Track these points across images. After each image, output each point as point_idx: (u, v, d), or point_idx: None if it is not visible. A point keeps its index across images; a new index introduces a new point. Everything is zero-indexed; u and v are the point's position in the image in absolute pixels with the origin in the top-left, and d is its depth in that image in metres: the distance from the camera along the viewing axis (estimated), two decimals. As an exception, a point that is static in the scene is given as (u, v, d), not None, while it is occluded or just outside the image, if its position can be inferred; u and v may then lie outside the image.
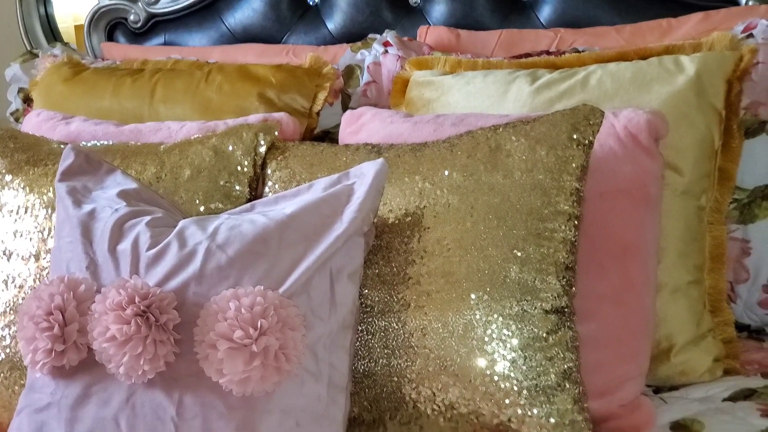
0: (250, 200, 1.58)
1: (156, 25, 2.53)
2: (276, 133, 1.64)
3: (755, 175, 1.70)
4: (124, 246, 1.35)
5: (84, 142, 1.77)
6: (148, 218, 1.39)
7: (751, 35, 1.77)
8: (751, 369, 1.59)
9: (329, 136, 2.04)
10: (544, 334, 1.32)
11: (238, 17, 2.41)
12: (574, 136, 1.39)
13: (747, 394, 1.50)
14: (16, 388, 1.52)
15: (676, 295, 1.57)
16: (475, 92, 1.78)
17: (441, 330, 1.35)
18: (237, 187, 1.60)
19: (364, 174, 1.38)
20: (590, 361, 1.41)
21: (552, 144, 1.39)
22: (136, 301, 1.26)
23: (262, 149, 1.61)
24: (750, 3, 1.94)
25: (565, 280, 1.35)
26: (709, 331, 1.58)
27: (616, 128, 1.49)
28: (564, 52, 1.93)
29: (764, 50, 1.71)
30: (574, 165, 1.38)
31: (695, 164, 1.59)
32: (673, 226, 1.57)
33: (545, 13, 2.12)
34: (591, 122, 1.40)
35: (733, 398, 1.50)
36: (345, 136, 1.75)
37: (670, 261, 1.57)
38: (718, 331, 1.60)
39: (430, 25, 2.21)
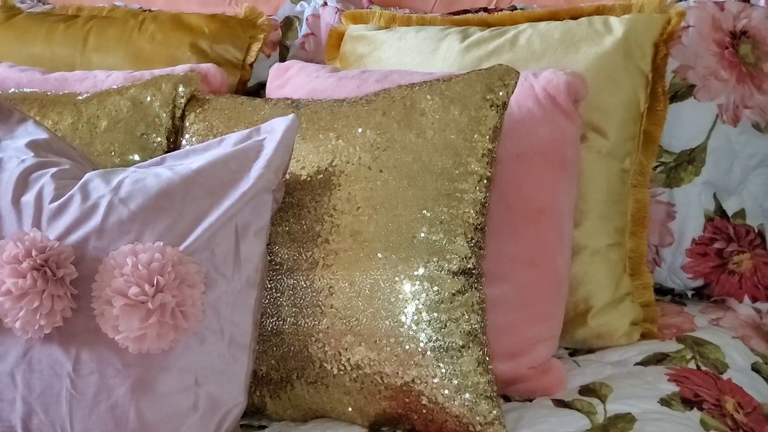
0: (167, 152, 1.56)
1: (101, -30, 2.48)
2: (197, 84, 1.61)
3: (682, 139, 1.69)
4: (28, 198, 1.33)
5: (6, 90, 1.74)
6: (54, 170, 1.37)
7: (684, -3, 1.76)
8: (668, 333, 1.59)
9: (264, 88, 2.01)
10: (450, 296, 1.31)
11: (182, -35, 2.36)
12: (488, 97, 1.37)
13: (659, 359, 1.50)
14: None
15: (596, 258, 1.56)
16: (406, 48, 1.75)
17: (348, 289, 1.34)
18: (155, 139, 1.57)
19: (275, 129, 1.36)
20: (501, 323, 1.41)
21: (465, 104, 1.37)
22: (33, 254, 1.24)
23: (181, 101, 1.58)
24: (688, -36, 1.92)
25: (474, 241, 1.34)
26: (628, 295, 1.58)
27: (535, 89, 1.48)
28: (501, 10, 1.90)
29: (695, 14, 1.70)
30: (486, 125, 1.36)
31: (620, 127, 1.58)
32: (595, 189, 1.56)
33: (487, -32, 2.09)
34: (505, 83, 1.38)
35: (645, 362, 1.50)
36: (271, 89, 1.73)
37: (591, 223, 1.56)
38: (637, 294, 1.60)
39: (373, -23, 2.17)
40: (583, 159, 1.54)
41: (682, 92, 1.69)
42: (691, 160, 1.69)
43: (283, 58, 2.06)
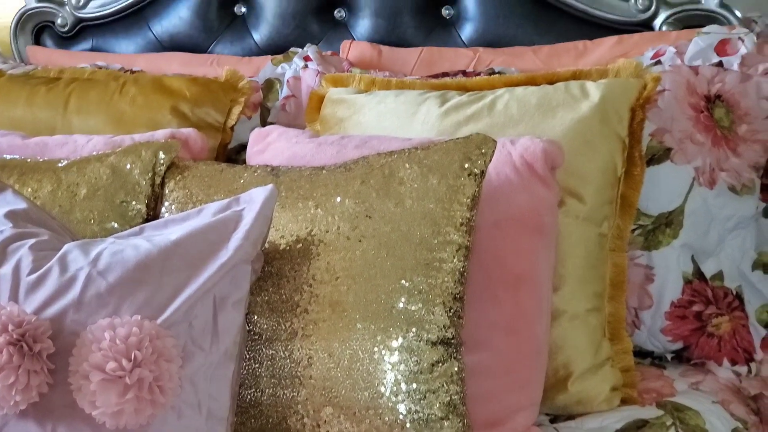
0: (147, 220, 1.56)
1: (84, 29, 2.50)
2: (177, 151, 1.62)
3: (660, 202, 1.70)
4: (5, 270, 1.33)
5: (-14, 156, 1.74)
6: (32, 241, 1.37)
7: (659, 62, 1.78)
8: (648, 398, 1.59)
9: (245, 149, 2.02)
10: (430, 366, 1.31)
11: (164, 25, 2.39)
12: (466, 165, 1.38)
13: (639, 425, 1.50)
14: None
15: (575, 323, 1.56)
16: (386, 112, 1.76)
17: (327, 360, 1.34)
18: (135, 206, 1.58)
19: (254, 200, 1.36)
20: (481, 391, 1.41)
21: (444, 173, 1.38)
22: (10, 329, 1.24)
23: (161, 168, 1.59)
24: (663, 29, 1.95)
25: (452, 311, 1.34)
26: (608, 360, 1.58)
27: (513, 156, 1.49)
28: (479, 73, 1.93)
29: (670, 78, 1.71)
30: (465, 194, 1.37)
31: (597, 191, 1.59)
32: (573, 254, 1.57)
33: (467, 31, 2.12)
34: (483, 151, 1.39)
35: (625, 429, 1.49)
36: (252, 154, 1.74)
37: (570, 288, 1.56)
38: (617, 359, 1.59)
39: (354, 39, 2.20)
40: (561, 224, 1.55)
41: (659, 155, 1.70)
42: (668, 222, 1.70)
43: (264, 120, 2.07)
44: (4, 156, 1.72)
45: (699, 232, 1.69)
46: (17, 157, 1.71)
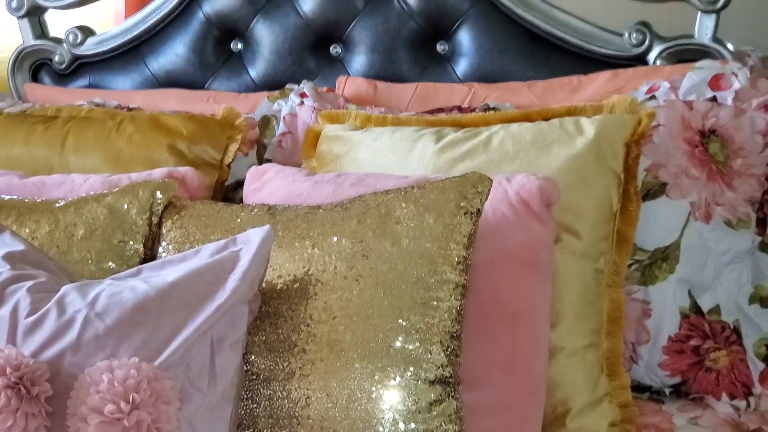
0: (144, 260, 1.57)
1: (81, 66, 2.51)
2: (175, 190, 1.62)
3: (656, 237, 1.70)
4: (3, 312, 1.33)
5: (-17, 197, 1.74)
6: (30, 283, 1.37)
7: (654, 97, 1.79)
8: (647, 433, 1.59)
9: (242, 186, 2.03)
10: (428, 405, 1.31)
11: (161, 62, 2.40)
12: (462, 204, 1.39)
13: (638, 461, 1.50)
14: None
15: (573, 359, 1.56)
16: (382, 149, 1.77)
17: (325, 400, 1.34)
18: (132, 246, 1.58)
19: (251, 241, 1.37)
20: (480, 430, 1.41)
21: (440, 211, 1.39)
22: (8, 372, 1.24)
23: (159, 207, 1.59)
24: (658, 63, 1.96)
25: (450, 349, 1.34)
26: (606, 395, 1.58)
27: (509, 194, 1.50)
28: (474, 109, 1.94)
29: (665, 113, 1.73)
30: (461, 233, 1.38)
31: (593, 227, 1.59)
32: (570, 290, 1.57)
33: (462, 66, 2.13)
34: (479, 190, 1.40)
35: (625, 464, 1.50)
36: (248, 192, 1.74)
37: (567, 325, 1.57)
38: (615, 395, 1.59)
39: (350, 75, 2.21)
40: (558, 260, 1.55)
41: (654, 190, 1.71)
42: (665, 257, 1.70)
43: (260, 157, 2.07)
44: (2, 196, 1.72)
45: (695, 267, 1.70)
46: (15, 197, 1.71)
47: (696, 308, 1.70)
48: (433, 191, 1.41)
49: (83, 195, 1.73)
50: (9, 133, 2.07)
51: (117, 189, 1.65)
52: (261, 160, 2.06)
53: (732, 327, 1.70)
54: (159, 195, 1.60)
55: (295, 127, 2.07)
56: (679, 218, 1.70)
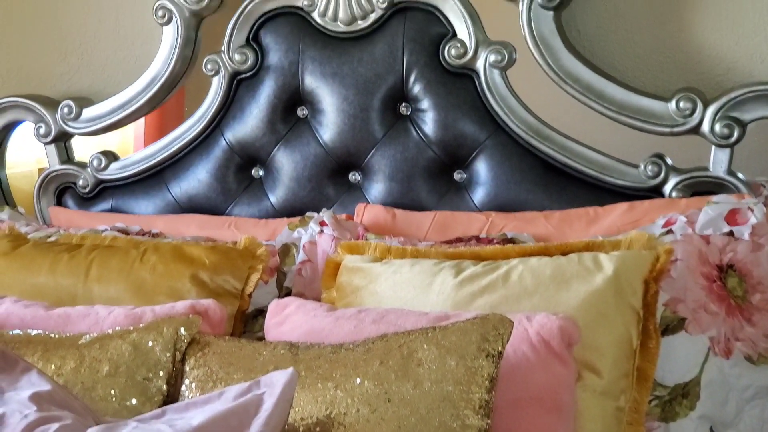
0: (167, 396, 1.58)
1: (104, 190, 2.55)
2: (198, 326, 1.65)
3: (676, 372, 1.71)
4: (30, 456, 1.34)
5: (10, 331, 1.76)
6: (56, 426, 1.38)
7: (670, 231, 1.81)
8: None
9: (263, 314, 2.04)
10: None
11: (183, 187, 2.44)
12: (483, 347, 1.40)
13: None
14: None
15: (596, 499, 1.56)
16: (401, 282, 1.79)
17: None
18: (156, 383, 1.59)
19: (274, 384, 1.38)
20: None
21: (462, 354, 1.40)
22: None
23: (182, 345, 1.62)
24: (673, 194, 1.99)
25: (472, 494, 1.34)
26: None
27: (529, 333, 1.51)
28: (493, 239, 1.96)
29: (682, 247, 1.75)
30: (483, 376, 1.39)
31: (614, 365, 1.60)
32: (591, 428, 1.57)
33: (479, 194, 2.16)
34: (500, 332, 1.42)
35: None
36: (270, 326, 1.76)
37: (589, 465, 1.56)
38: None
39: (368, 202, 2.24)
40: (579, 398, 1.56)
41: (673, 325, 1.72)
42: (685, 393, 1.70)
43: (280, 285, 2.09)
44: (29, 331, 1.75)
45: (716, 403, 1.70)
46: (41, 332, 1.74)
47: (719, 445, 1.70)
48: (455, 333, 1.43)
49: (107, 328, 1.75)
50: (35, 262, 2.10)
51: (142, 325, 1.67)
52: (281, 288, 2.08)
53: (755, 463, 1.70)
54: (183, 331, 1.62)
55: (315, 255, 2.10)
56: (698, 354, 1.71)
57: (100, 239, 2.17)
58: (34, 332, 1.74)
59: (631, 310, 1.63)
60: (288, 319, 1.73)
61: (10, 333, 1.75)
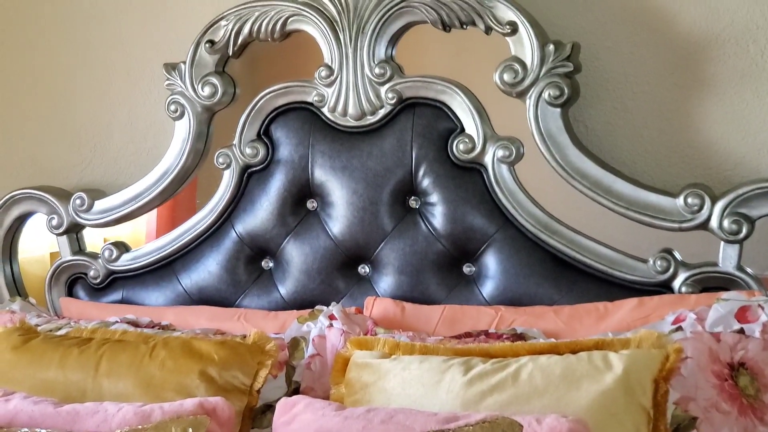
0: (174, 499, 1.56)
1: (115, 280, 2.56)
2: (206, 427, 1.64)
3: (694, 481, 1.69)
4: None
5: (19, 429, 1.76)
6: None
7: (680, 328, 1.80)
8: None
9: (271, 409, 2.03)
10: None
11: (194, 278, 2.45)
12: (493, 452, 1.39)
13: None
14: None
15: None
16: (410, 379, 1.78)
17: None
18: (163, 487, 1.58)
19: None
20: None
21: (471, 460, 1.39)
22: None
23: (190, 447, 1.60)
24: (683, 290, 1.99)
25: None
26: None
27: (539, 437, 1.49)
28: (502, 335, 1.95)
29: (692, 345, 1.74)
30: (493, 484, 1.37)
31: (625, 465, 1.58)
32: None
33: (488, 288, 2.16)
34: (509, 436, 1.40)
35: None
36: (278, 425, 1.75)
37: None
38: None
39: (378, 295, 2.24)
40: (591, 501, 1.54)
41: (684, 425, 1.70)
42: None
43: (289, 379, 2.08)
44: (37, 430, 1.74)
45: (732, 503, 1.67)
46: (49, 431, 1.73)
47: None
48: (464, 437, 1.42)
49: (116, 426, 1.74)
50: (45, 357, 2.10)
51: (150, 425, 1.66)
52: (290, 383, 2.07)
53: None
54: (191, 432, 1.61)
55: (324, 349, 2.09)
56: (712, 454, 1.69)
57: (110, 333, 2.17)
58: (42, 431, 1.72)
59: (642, 410, 1.61)
60: (296, 419, 1.72)
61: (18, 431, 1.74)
